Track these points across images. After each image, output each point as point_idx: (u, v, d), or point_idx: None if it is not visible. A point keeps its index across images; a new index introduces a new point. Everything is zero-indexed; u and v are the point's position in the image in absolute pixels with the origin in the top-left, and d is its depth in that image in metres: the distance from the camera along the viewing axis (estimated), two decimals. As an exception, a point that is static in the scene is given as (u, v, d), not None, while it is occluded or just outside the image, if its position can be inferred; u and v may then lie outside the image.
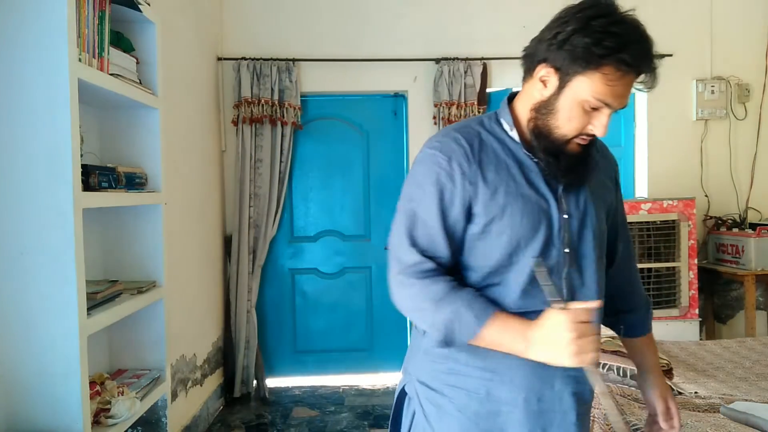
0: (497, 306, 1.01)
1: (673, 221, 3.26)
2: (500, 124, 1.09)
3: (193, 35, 3.08)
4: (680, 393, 2.09)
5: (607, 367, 2.07)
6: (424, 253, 1.03)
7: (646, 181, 3.77)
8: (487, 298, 1.02)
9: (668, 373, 2.18)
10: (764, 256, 3.37)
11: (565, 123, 1.00)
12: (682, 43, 3.71)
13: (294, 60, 3.52)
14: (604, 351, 2.18)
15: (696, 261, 3.32)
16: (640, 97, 3.83)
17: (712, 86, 3.69)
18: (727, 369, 2.41)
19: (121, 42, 1.89)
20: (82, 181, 1.57)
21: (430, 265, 1.02)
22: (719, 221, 3.68)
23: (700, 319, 3.39)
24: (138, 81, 1.95)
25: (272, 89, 3.47)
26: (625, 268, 1.26)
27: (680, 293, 3.27)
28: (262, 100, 3.44)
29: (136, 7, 1.89)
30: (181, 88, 2.85)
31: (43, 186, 1.47)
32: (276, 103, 3.47)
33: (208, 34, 3.38)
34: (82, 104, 1.63)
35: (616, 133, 3.91)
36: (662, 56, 3.57)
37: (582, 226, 1.07)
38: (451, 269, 1.06)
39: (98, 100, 1.86)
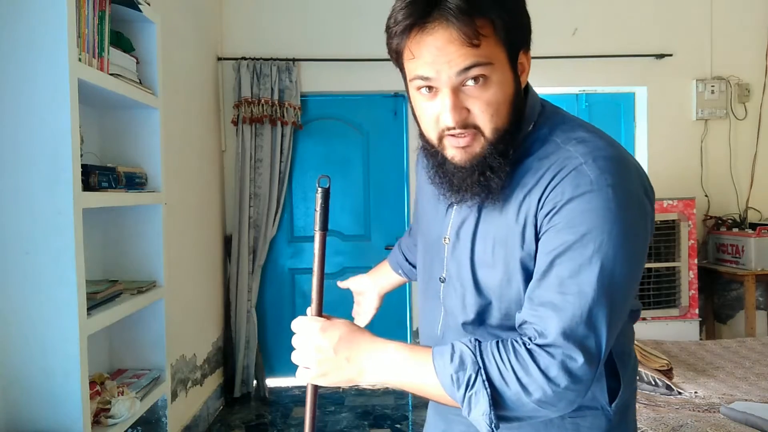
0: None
1: (673, 221, 3.26)
2: None
3: (193, 35, 3.08)
4: (680, 393, 2.09)
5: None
6: None
7: (646, 181, 3.77)
8: None
9: (668, 373, 2.18)
10: (764, 256, 3.37)
11: (422, 123, 0.82)
12: (682, 43, 3.71)
13: (294, 60, 3.52)
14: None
15: (696, 261, 3.32)
16: (640, 97, 3.83)
17: (712, 86, 3.69)
18: (727, 369, 2.41)
19: (121, 42, 1.89)
20: (82, 181, 1.57)
21: None
22: (719, 221, 3.68)
23: (700, 319, 3.39)
24: (138, 81, 1.95)
25: (272, 89, 3.47)
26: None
27: (680, 293, 3.27)
28: (262, 100, 3.44)
29: (136, 7, 1.89)
30: (181, 88, 2.85)
31: (43, 186, 1.46)
32: (276, 103, 3.47)
33: (208, 34, 3.38)
34: (82, 104, 1.63)
35: (616, 133, 3.91)
36: (662, 56, 3.62)
37: (458, 256, 0.89)
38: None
39: (98, 100, 1.86)
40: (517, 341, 0.75)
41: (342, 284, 1.32)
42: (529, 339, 0.75)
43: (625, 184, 0.76)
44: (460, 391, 0.73)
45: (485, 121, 0.77)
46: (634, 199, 0.77)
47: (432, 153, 0.83)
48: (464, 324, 0.88)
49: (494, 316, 0.85)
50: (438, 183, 0.85)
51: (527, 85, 0.86)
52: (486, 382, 0.73)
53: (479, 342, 0.76)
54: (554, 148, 0.80)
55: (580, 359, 0.72)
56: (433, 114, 0.79)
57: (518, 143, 0.82)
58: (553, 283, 0.75)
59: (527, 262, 0.80)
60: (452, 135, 0.78)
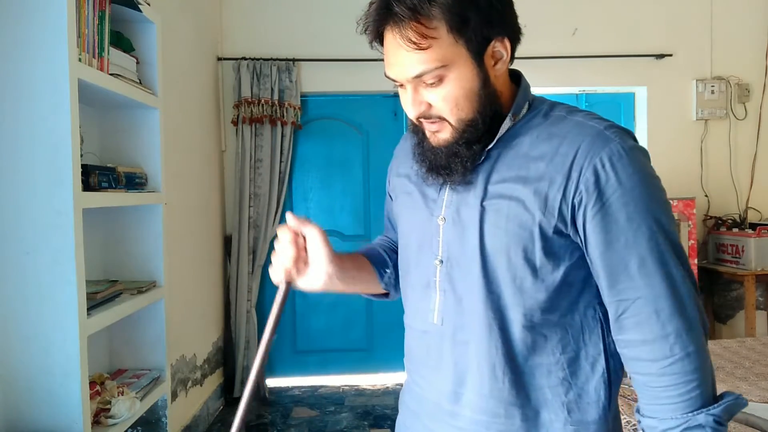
0: None
1: (673, 221, 3.26)
2: None
3: (193, 35, 3.08)
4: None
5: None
6: None
7: (646, 181, 3.77)
8: None
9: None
10: (764, 256, 3.37)
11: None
12: (682, 43, 3.71)
13: (294, 60, 3.52)
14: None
15: (696, 261, 3.32)
16: (640, 97, 3.83)
17: (712, 86, 3.69)
18: (727, 369, 2.40)
19: (121, 42, 1.89)
20: (82, 181, 1.57)
21: None
22: (719, 221, 3.68)
23: (700, 319, 3.39)
24: (138, 81, 1.95)
25: (272, 89, 3.47)
26: (634, 353, 0.80)
27: (680, 293, 3.26)
28: (262, 100, 3.44)
29: (136, 7, 1.89)
30: (181, 88, 2.85)
31: (43, 186, 1.47)
32: (276, 103, 3.47)
33: (208, 34, 3.38)
34: (82, 104, 1.63)
35: (616, 133, 3.91)
36: (662, 56, 3.62)
37: (461, 234, 0.85)
38: None
39: (98, 100, 1.86)
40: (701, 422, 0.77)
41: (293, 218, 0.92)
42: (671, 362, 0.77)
43: (639, 144, 0.82)
44: None
45: (447, 113, 0.81)
46: (647, 152, 0.82)
47: (415, 130, 0.88)
48: (473, 303, 0.85)
49: (505, 289, 0.83)
50: (419, 159, 0.88)
51: (520, 75, 0.90)
52: None
53: None
54: (561, 120, 0.83)
55: (700, 339, 0.78)
56: (406, 103, 0.83)
57: (519, 118, 0.84)
58: (655, 266, 0.77)
59: (546, 227, 0.80)
60: (421, 119, 0.84)
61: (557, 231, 0.80)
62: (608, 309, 0.82)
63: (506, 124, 0.83)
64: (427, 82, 0.79)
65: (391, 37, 0.78)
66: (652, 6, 3.71)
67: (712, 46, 3.73)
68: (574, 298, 0.83)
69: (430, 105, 0.81)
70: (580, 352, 0.84)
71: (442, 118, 0.81)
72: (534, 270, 0.81)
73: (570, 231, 0.80)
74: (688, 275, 0.79)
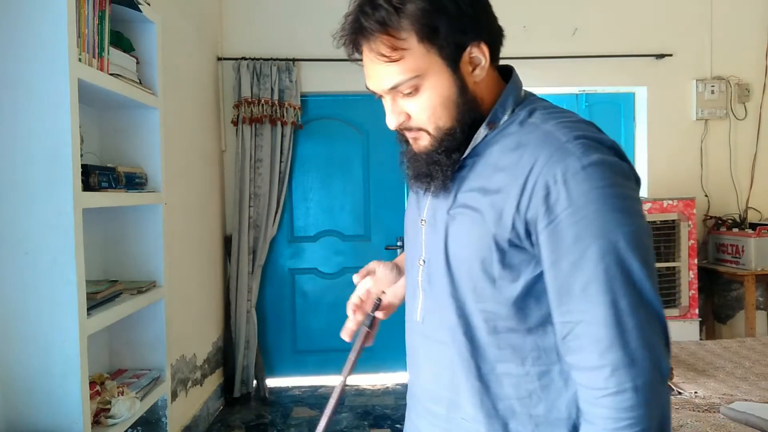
0: None
1: (673, 221, 3.26)
2: None
3: (193, 35, 3.08)
4: (680, 393, 2.09)
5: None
6: None
7: (646, 181, 3.77)
8: None
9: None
10: (764, 256, 3.37)
11: None
12: (682, 43, 3.71)
13: (294, 60, 3.52)
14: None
15: (696, 261, 3.32)
16: (640, 97, 3.83)
17: (712, 86, 3.69)
18: (727, 369, 2.40)
19: (121, 42, 1.89)
20: (82, 181, 1.57)
21: None
22: (719, 221, 3.68)
23: (700, 319, 3.39)
24: (138, 81, 1.95)
25: (272, 89, 3.47)
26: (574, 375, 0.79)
27: (680, 293, 3.27)
28: (262, 100, 3.44)
29: (136, 7, 1.89)
30: (181, 88, 2.85)
31: (43, 186, 1.47)
32: (276, 103, 3.47)
33: (208, 34, 3.38)
34: (82, 104, 1.63)
35: (616, 132, 3.91)
36: (662, 56, 3.62)
37: (434, 239, 0.88)
38: None
39: (98, 100, 1.86)
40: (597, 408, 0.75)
41: (357, 275, 1.10)
42: (603, 386, 0.74)
43: (608, 158, 0.75)
44: None
45: (425, 123, 0.83)
46: (620, 167, 0.76)
47: (400, 139, 0.91)
48: (443, 305, 0.86)
49: (467, 295, 0.83)
50: (406, 166, 0.92)
51: (512, 73, 0.88)
52: None
53: None
54: (533, 128, 0.80)
55: (643, 377, 0.74)
56: (386, 114, 0.86)
57: (497, 126, 0.83)
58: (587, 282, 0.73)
59: (500, 240, 0.78)
60: (403, 130, 0.86)
61: (513, 244, 0.78)
62: (555, 328, 0.79)
63: (480, 133, 0.83)
64: (403, 92, 0.81)
65: (365, 50, 0.81)
66: (652, 6, 3.71)
67: (712, 46, 3.73)
68: (545, 312, 0.80)
69: (409, 116, 0.83)
70: (554, 366, 0.81)
71: (421, 129, 0.83)
72: (492, 281, 0.80)
73: (526, 245, 0.78)
74: (642, 306, 0.74)
